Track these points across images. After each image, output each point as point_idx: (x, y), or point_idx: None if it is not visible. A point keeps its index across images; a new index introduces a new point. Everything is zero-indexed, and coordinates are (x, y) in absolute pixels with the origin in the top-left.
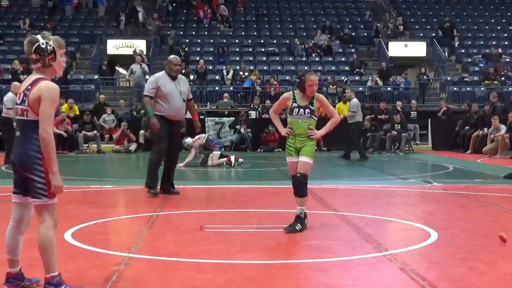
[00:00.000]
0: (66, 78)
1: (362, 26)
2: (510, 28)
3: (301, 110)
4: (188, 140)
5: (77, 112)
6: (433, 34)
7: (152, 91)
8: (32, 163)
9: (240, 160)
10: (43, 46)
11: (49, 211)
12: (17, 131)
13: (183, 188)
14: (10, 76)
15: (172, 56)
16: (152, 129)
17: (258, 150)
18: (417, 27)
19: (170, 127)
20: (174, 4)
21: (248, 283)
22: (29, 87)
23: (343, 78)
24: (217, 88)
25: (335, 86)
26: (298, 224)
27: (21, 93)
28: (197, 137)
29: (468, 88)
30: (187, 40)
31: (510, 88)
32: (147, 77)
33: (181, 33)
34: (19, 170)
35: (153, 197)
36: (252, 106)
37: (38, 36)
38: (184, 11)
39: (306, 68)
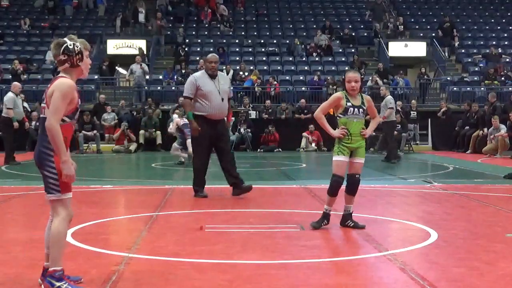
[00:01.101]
0: None
1: (362, 26)
2: (510, 28)
3: (356, 109)
4: (175, 116)
5: None
6: (433, 34)
7: (191, 91)
8: (44, 159)
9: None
10: (70, 47)
11: (64, 205)
12: (39, 129)
13: (183, 188)
14: (10, 76)
15: (210, 54)
16: (192, 133)
17: (258, 150)
18: (417, 27)
19: (213, 128)
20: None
21: (248, 283)
22: (49, 86)
23: (343, 78)
24: None
25: (335, 86)
26: (325, 221)
27: (45, 91)
28: (178, 119)
29: (468, 88)
30: (187, 40)
31: (510, 88)
32: (147, 77)
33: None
34: (37, 167)
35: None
36: (243, 106)
37: (65, 39)
38: (184, 10)
39: (306, 68)
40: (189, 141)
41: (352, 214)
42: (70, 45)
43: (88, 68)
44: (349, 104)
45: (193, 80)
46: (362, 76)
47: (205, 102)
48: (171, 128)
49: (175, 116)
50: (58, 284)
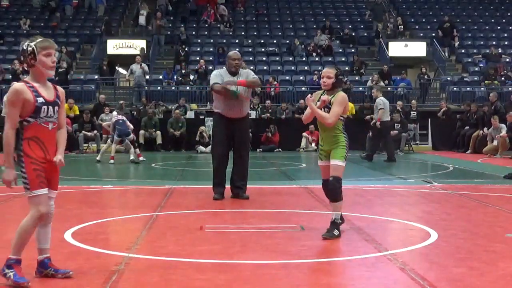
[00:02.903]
0: (66, 78)
1: (362, 26)
2: (510, 28)
3: (324, 109)
4: (114, 113)
5: (77, 112)
6: (433, 34)
7: (217, 80)
8: (19, 160)
9: (141, 158)
10: (24, 47)
11: (33, 202)
12: None
13: (182, 188)
14: (10, 76)
15: (232, 52)
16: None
17: (258, 150)
18: (417, 27)
19: (231, 127)
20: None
21: (248, 283)
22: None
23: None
24: None
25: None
26: (336, 230)
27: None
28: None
29: (468, 88)
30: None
31: (510, 88)
32: (147, 77)
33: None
34: None
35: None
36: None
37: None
38: (186, 10)
39: (306, 68)
40: (115, 139)
41: (343, 221)
42: (24, 45)
43: (50, 67)
44: (318, 102)
45: (217, 73)
46: (336, 71)
47: (220, 99)
48: (106, 124)
49: (114, 113)
50: (7, 271)
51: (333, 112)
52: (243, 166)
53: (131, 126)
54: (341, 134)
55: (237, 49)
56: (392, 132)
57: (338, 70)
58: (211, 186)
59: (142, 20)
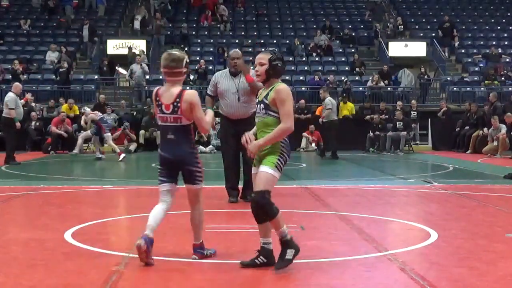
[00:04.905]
0: (67, 78)
1: (362, 26)
2: (510, 28)
3: (258, 105)
4: (87, 110)
5: (77, 112)
6: (433, 34)
7: (211, 89)
8: (191, 158)
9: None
10: (187, 61)
11: (200, 193)
12: (169, 134)
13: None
14: (10, 76)
15: (232, 50)
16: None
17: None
18: (417, 27)
19: (236, 128)
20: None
21: (248, 283)
22: (178, 99)
23: (343, 78)
24: None
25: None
26: (288, 251)
27: (168, 105)
28: (95, 112)
29: (468, 88)
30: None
31: (510, 88)
32: (147, 77)
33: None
34: (178, 165)
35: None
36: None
37: (175, 52)
38: (184, 11)
39: (306, 68)
40: (107, 135)
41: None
42: (187, 60)
43: None
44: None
45: (213, 78)
46: (271, 55)
47: (222, 100)
48: (83, 121)
49: (87, 109)
50: (205, 252)
51: (285, 115)
52: (250, 167)
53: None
54: None
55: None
56: (395, 132)
57: (273, 54)
58: (212, 186)
59: (137, 24)
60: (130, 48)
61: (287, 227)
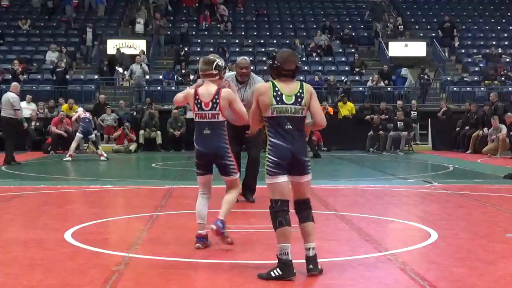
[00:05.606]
0: (64, 78)
1: (362, 26)
2: (510, 28)
3: None
4: (80, 109)
5: None
6: (433, 34)
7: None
8: (225, 152)
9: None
10: (220, 64)
11: (238, 182)
12: (205, 130)
13: (183, 188)
14: (10, 76)
15: (240, 58)
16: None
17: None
18: (417, 27)
19: (239, 132)
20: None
21: (248, 283)
22: (216, 97)
23: (343, 78)
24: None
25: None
26: (275, 270)
27: (208, 102)
28: (81, 111)
29: (468, 88)
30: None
31: (510, 88)
32: (147, 77)
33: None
34: (213, 158)
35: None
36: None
37: (208, 56)
38: (184, 11)
39: (306, 68)
40: (77, 136)
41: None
42: (220, 62)
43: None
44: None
45: (224, 77)
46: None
47: None
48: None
49: (80, 109)
50: (225, 230)
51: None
52: (254, 169)
53: (92, 126)
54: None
55: (237, 49)
56: (397, 132)
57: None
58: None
59: (139, 28)
60: (118, 50)
61: (288, 245)
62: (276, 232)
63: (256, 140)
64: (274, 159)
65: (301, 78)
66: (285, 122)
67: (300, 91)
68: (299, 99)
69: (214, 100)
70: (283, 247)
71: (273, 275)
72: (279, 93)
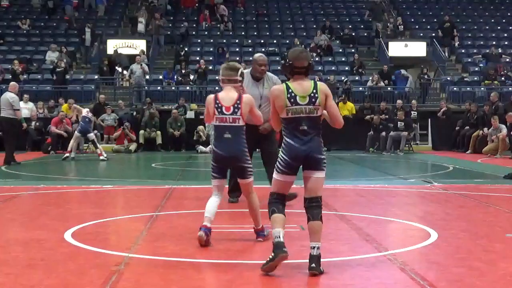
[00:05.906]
0: (64, 78)
1: (362, 26)
2: (510, 28)
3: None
4: (85, 110)
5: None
6: (433, 34)
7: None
8: (244, 155)
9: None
10: (242, 72)
11: (252, 184)
12: (226, 134)
13: (183, 188)
14: (10, 76)
15: (257, 54)
16: None
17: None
18: (417, 27)
19: (253, 132)
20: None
21: (248, 283)
22: (238, 102)
23: (343, 78)
24: (217, 88)
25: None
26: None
27: (229, 106)
28: (86, 109)
29: (468, 88)
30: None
31: (510, 88)
32: (147, 77)
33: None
34: (231, 162)
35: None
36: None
37: (232, 63)
38: (184, 11)
39: None
40: (75, 135)
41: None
42: (243, 69)
43: None
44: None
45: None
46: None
47: None
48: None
49: (85, 110)
50: (265, 233)
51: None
52: (274, 164)
53: (91, 126)
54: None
55: (237, 49)
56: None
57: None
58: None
59: (141, 27)
60: (116, 50)
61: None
62: (270, 219)
63: (270, 135)
64: (287, 159)
65: None
66: (301, 123)
67: (314, 91)
68: (313, 99)
69: (236, 105)
70: (275, 232)
71: (268, 259)
72: (292, 94)
